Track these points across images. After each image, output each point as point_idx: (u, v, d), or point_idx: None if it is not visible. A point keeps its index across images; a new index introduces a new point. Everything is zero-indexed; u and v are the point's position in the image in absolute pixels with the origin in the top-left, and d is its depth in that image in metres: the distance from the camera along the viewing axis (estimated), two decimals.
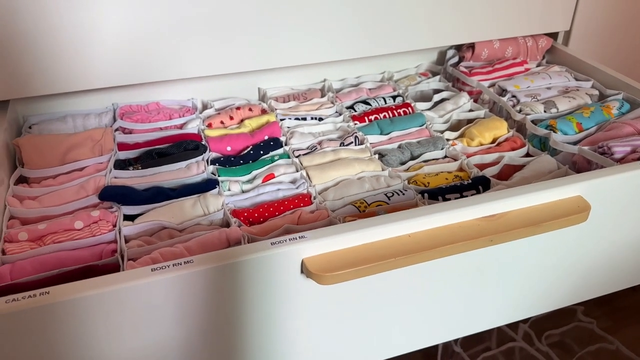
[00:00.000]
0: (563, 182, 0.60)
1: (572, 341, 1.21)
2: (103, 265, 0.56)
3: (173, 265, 0.48)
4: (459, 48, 0.98)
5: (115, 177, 0.68)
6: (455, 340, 1.03)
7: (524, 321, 1.10)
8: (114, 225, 0.61)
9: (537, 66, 0.97)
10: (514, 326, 1.14)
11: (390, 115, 0.84)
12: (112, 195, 0.64)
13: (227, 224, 0.63)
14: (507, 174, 0.74)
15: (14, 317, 0.44)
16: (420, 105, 0.87)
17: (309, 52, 0.85)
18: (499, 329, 1.06)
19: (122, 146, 0.74)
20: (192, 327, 0.51)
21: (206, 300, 0.50)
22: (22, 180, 0.70)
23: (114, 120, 0.80)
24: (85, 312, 0.46)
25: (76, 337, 0.47)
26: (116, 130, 0.77)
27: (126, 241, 0.59)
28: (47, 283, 0.53)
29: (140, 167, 0.70)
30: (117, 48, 0.73)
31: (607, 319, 1.25)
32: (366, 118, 0.83)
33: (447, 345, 1.13)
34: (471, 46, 0.95)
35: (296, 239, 0.51)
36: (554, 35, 1.00)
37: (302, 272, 0.52)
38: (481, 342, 1.17)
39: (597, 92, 0.86)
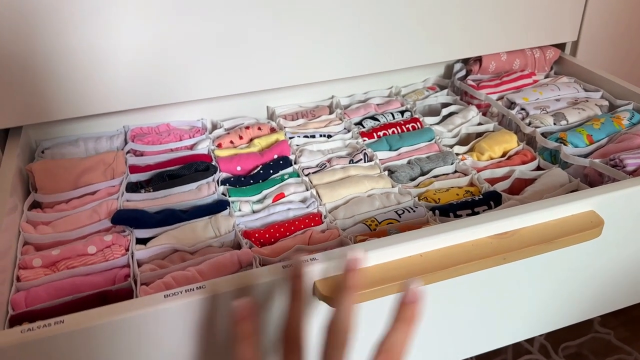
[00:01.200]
0: (575, 197, 0.60)
1: (589, 352, 1.19)
2: (117, 290, 0.56)
3: (185, 291, 0.48)
4: (466, 61, 0.98)
5: (127, 201, 0.69)
6: None
7: (541, 334, 1.09)
8: (127, 249, 0.62)
9: (545, 77, 0.97)
10: (529, 339, 1.13)
11: (399, 130, 0.84)
12: (125, 218, 0.65)
13: (239, 245, 0.63)
14: (518, 188, 0.73)
15: (29, 346, 0.44)
16: (429, 120, 0.87)
17: (316, 70, 0.85)
18: None
19: (133, 169, 0.75)
20: (207, 351, 0.51)
21: (220, 325, 0.50)
22: (35, 205, 0.70)
23: (125, 142, 0.80)
24: (100, 340, 0.46)
25: None
26: (127, 152, 0.78)
27: (139, 265, 0.60)
28: (62, 309, 0.54)
29: (151, 190, 0.70)
30: (128, 72, 0.74)
31: (624, 330, 1.24)
32: (375, 134, 0.84)
33: None
34: (478, 59, 0.95)
35: (307, 260, 0.51)
36: (561, 46, 1.00)
37: (314, 294, 0.52)
38: (497, 355, 1.16)
39: (606, 103, 0.86)
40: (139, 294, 0.54)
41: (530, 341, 1.15)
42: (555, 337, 1.13)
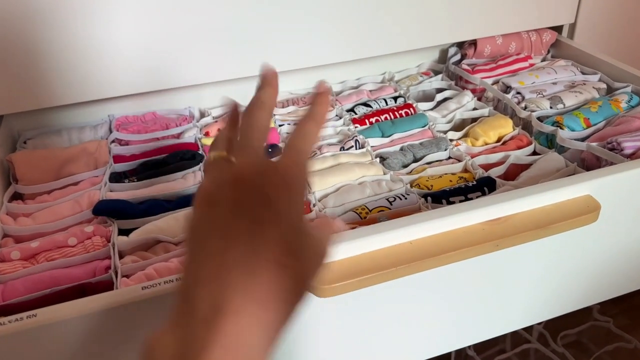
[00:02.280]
0: (570, 181, 0.58)
1: (589, 341, 1.18)
2: (96, 282, 0.54)
3: (165, 282, 0.46)
4: (460, 45, 0.96)
5: (110, 191, 0.67)
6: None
7: (539, 322, 1.07)
8: (108, 241, 0.60)
9: (541, 61, 0.94)
10: (528, 327, 1.11)
11: (392, 116, 0.82)
12: (106, 209, 0.63)
13: None
14: (514, 173, 0.71)
15: (1, 341, 0.43)
16: (422, 106, 0.85)
17: (307, 55, 0.83)
18: (513, 331, 1.04)
19: (117, 158, 0.73)
20: None
21: None
22: (17, 197, 0.69)
23: (110, 132, 0.78)
24: (75, 334, 0.44)
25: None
26: (112, 142, 0.76)
27: (121, 257, 0.58)
28: (39, 303, 0.52)
29: (135, 180, 0.68)
30: (112, 59, 0.72)
31: (624, 317, 1.22)
32: (367, 121, 0.81)
33: (460, 350, 1.11)
34: (473, 43, 0.93)
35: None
36: (558, 29, 0.97)
37: None
38: (495, 345, 1.14)
39: (604, 86, 0.84)
40: (120, 287, 0.52)
41: (528, 330, 1.14)
42: (554, 326, 1.12)
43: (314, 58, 0.84)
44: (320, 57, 0.84)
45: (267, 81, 0.39)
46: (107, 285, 0.54)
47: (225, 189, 0.33)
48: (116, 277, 0.54)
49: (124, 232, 0.61)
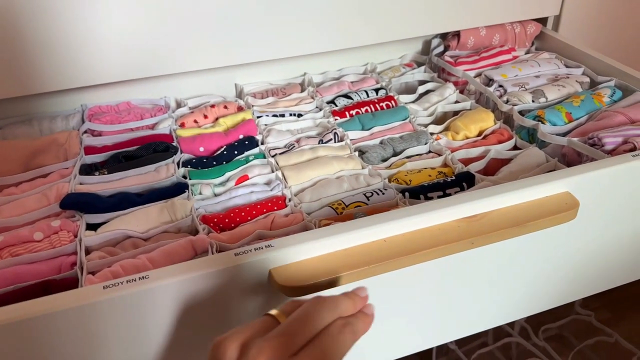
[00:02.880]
0: (548, 178, 0.57)
1: (570, 334, 1.18)
2: (61, 279, 0.53)
3: (127, 281, 0.44)
4: (444, 37, 0.94)
5: (79, 184, 0.65)
6: None
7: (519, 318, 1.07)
8: (76, 236, 0.58)
9: (525, 53, 0.93)
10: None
11: (372, 109, 0.81)
12: (74, 203, 0.61)
13: (197, 231, 0.59)
14: (494, 168, 0.70)
15: None
16: (404, 98, 0.84)
17: (287, 44, 0.81)
18: None
19: (89, 149, 0.71)
20: (151, 348, 0.48)
21: (164, 319, 0.47)
22: None
23: (82, 122, 0.76)
24: (29, 336, 0.43)
25: None
26: (84, 132, 0.74)
27: (88, 252, 0.56)
28: (1, 300, 0.50)
29: (106, 172, 0.66)
30: (87, 47, 0.70)
31: (605, 311, 1.22)
32: (347, 113, 0.80)
33: (442, 344, 1.10)
34: (457, 34, 0.91)
35: (262, 248, 0.48)
36: (543, 21, 0.96)
37: (269, 283, 0.49)
38: (477, 338, 1.14)
39: (588, 80, 0.82)
40: (84, 284, 0.50)
41: (510, 324, 1.13)
42: (536, 319, 1.11)
43: (295, 48, 0.82)
44: (300, 47, 0.82)
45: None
46: (71, 283, 0.52)
47: None
48: (81, 273, 0.53)
49: (92, 227, 0.60)
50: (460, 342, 1.11)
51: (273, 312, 0.39)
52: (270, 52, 0.81)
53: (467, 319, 0.64)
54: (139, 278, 0.44)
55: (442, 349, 1.12)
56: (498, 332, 1.14)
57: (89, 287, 0.44)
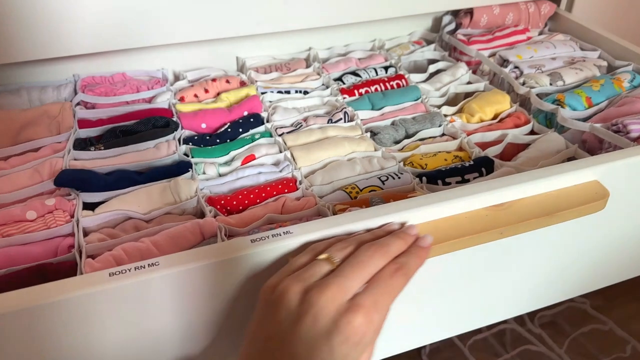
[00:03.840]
0: (577, 165, 0.54)
1: (565, 322, 1.17)
2: (58, 263, 0.49)
3: (135, 268, 0.41)
4: (455, 14, 0.90)
5: (74, 159, 0.60)
6: None
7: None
8: (72, 216, 0.54)
9: (539, 34, 0.90)
10: None
11: (382, 88, 0.77)
12: (70, 180, 0.56)
13: (202, 213, 0.56)
14: (511, 153, 0.67)
15: None
16: (415, 77, 0.80)
17: (292, 17, 0.77)
18: None
19: (83, 123, 0.66)
20: (158, 339, 0.44)
21: (174, 309, 0.43)
22: None
23: (75, 93, 0.71)
24: (27, 326, 0.39)
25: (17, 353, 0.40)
26: (77, 104, 0.69)
27: (85, 234, 0.52)
28: None
29: (102, 147, 0.62)
30: (80, 12, 0.65)
31: (599, 298, 1.22)
32: (356, 91, 0.76)
33: None
34: (469, 12, 0.87)
35: (280, 234, 0.44)
36: (557, 1, 0.93)
37: None
38: None
39: (605, 63, 0.80)
40: (84, 269, 0.46)
41: None
42: None
43: (298, 21, 0.78)
44: (304, 20, 0.78)
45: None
46: (69, 267, 0.48)
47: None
48: (80, 257, 0.49)
49: (89, 206, 0.55)
50: None
51: (323, 256, 0.41)
52: (274, 25, 0.77)
53: (485, 310, 0.62)
54: (148, 265, 0.41)
55: None
56: None
57: (93, 274, 0.40)
